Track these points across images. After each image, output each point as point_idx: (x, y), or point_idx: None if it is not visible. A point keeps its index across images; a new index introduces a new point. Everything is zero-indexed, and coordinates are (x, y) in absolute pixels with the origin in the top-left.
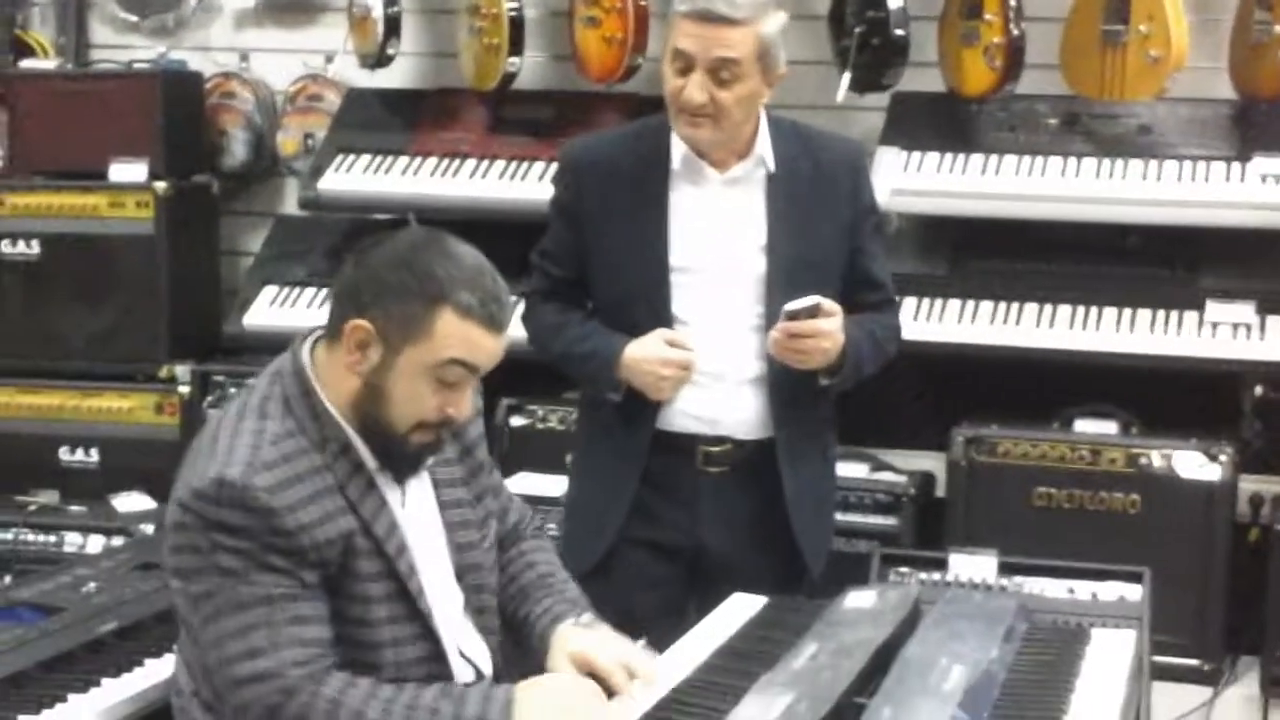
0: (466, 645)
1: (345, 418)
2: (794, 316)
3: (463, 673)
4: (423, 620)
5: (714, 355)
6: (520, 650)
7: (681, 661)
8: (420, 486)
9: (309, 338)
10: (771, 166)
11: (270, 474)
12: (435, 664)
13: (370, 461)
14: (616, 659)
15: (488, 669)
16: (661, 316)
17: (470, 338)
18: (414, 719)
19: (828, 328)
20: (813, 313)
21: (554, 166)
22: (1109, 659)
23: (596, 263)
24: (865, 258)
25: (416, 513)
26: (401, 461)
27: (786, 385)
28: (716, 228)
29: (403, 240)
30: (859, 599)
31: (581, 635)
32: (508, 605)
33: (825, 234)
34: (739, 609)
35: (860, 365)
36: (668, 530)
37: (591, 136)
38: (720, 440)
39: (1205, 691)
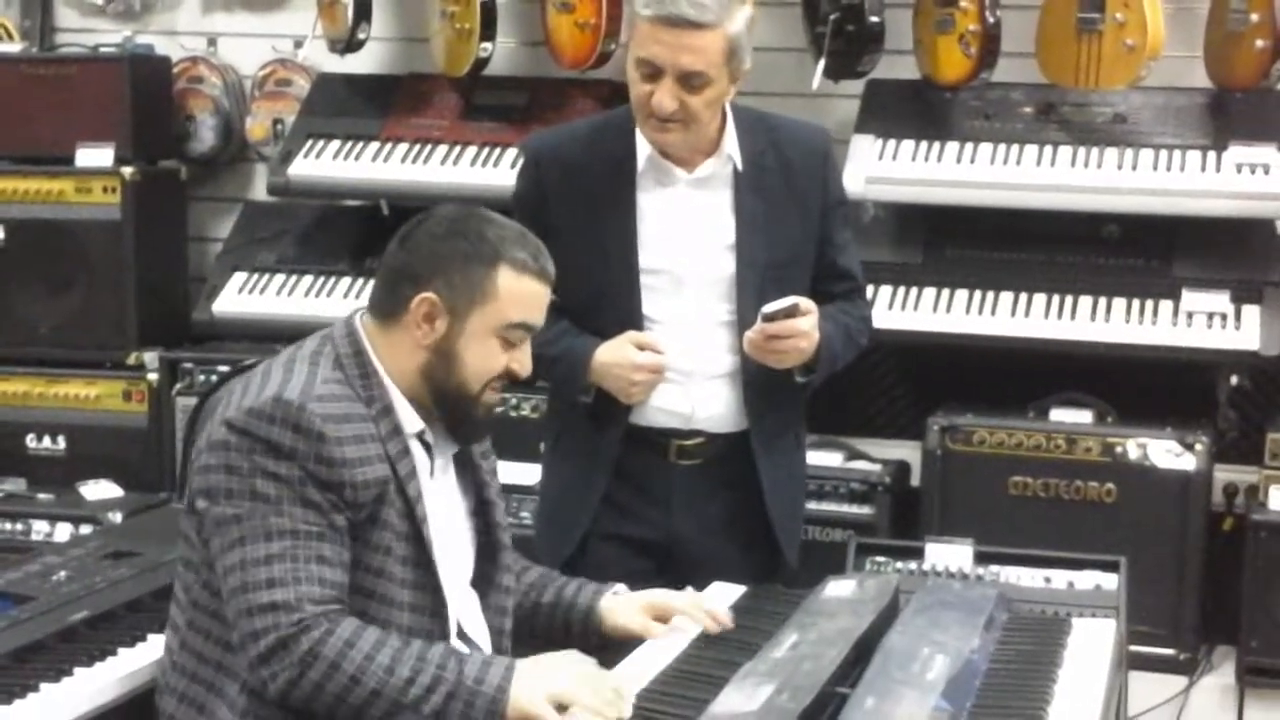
0: (469, 624)
1: (395, 385)
2: (772, 318)
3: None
4: (434, 593)
5: (685, 353)
6: (549, 636)
7: (661, 652)
8: (446, 470)
9: (356, 312)
10: (739, 164)
11: (323, 405)
12: (439, 638)
13: (409, 427)
14: (689, 600)
15: (486, 649)
16: (632, 318)
17: (528, 291)
18: (422, 670)
19: (805, 327)
20: (790, 313)
21: None
22: (1091, 648)
23: (563, 263)
24: (834, 249)
25: (442, 489)
26: (475, 424)
27: (760, 379)
28: (685, 229)
29: (443, 214)
30: (838, 588)
31: (640, 594)
32: (522, 601)
33: (793, 230)
34: (718, 598)
35: (834, 360)
36: (640, 524)
37: (555, 130)
38: (693, 434)
39: (1181, 681)
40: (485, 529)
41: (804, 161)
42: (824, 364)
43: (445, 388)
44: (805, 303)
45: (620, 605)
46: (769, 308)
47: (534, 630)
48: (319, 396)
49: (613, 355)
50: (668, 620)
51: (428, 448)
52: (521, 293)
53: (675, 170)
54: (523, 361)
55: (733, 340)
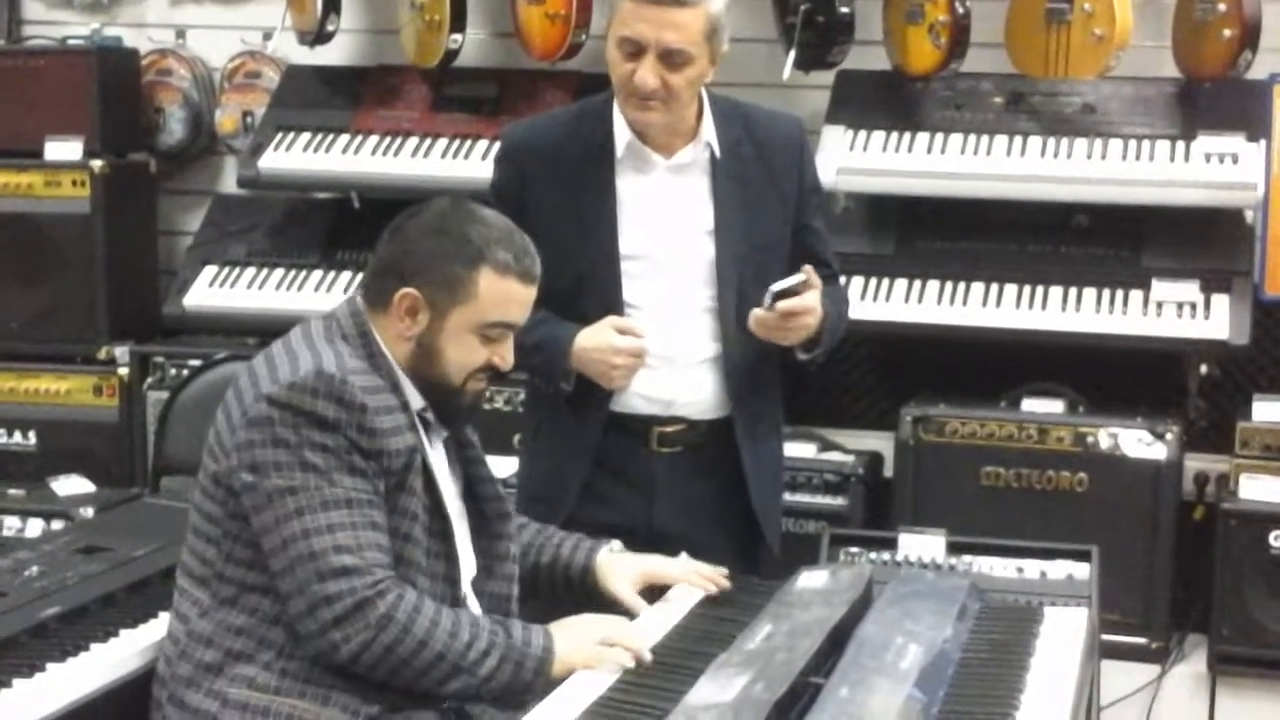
0: (470, 600)
1: (397, 365)
2: (782, 295)
3: None
4: (450, 560)
5: (666, 339)
6: (551, 595)
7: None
8: (439, 449)
9: (355, 294)
10: (717, 151)
11: (359, 378)
12: (451, 604)
13: (415, 402)
14: (683, 568)
15: None
16: (613, 304)
17: (509, 292)
18: (478, 635)
19: (812, 302)
20: (798, 290)
21: (497, 145)
22: (1062, 637)
23: (543, 250)
24: (810, 235)
25: (439, 466)
26: (459, 413)
27: (743, 365)
28: (664, 215)
29: (434, 210)
30: (812, 579)
31: (631, 557)
32: (523, 561)
33: (771, 217)
34: (692, 589)
35: (833, 337)
36: (621, 513)
37: (532, 120)
38: (674, 421)
39: (1153, 669)
40: (477, 504)
41: (780, 150)
42: (825, 340)
43: (428, 377)
44: (813, 277)
45: (615, 570)
46: (778, 286)
47: (536, 591)
48: (352, 370)
49: (593, 340)
50: (659, 587)
51: (426, 426)
52: (502, 293)
53: (654, 156)
54: (504, 355)
55: (714, 326)
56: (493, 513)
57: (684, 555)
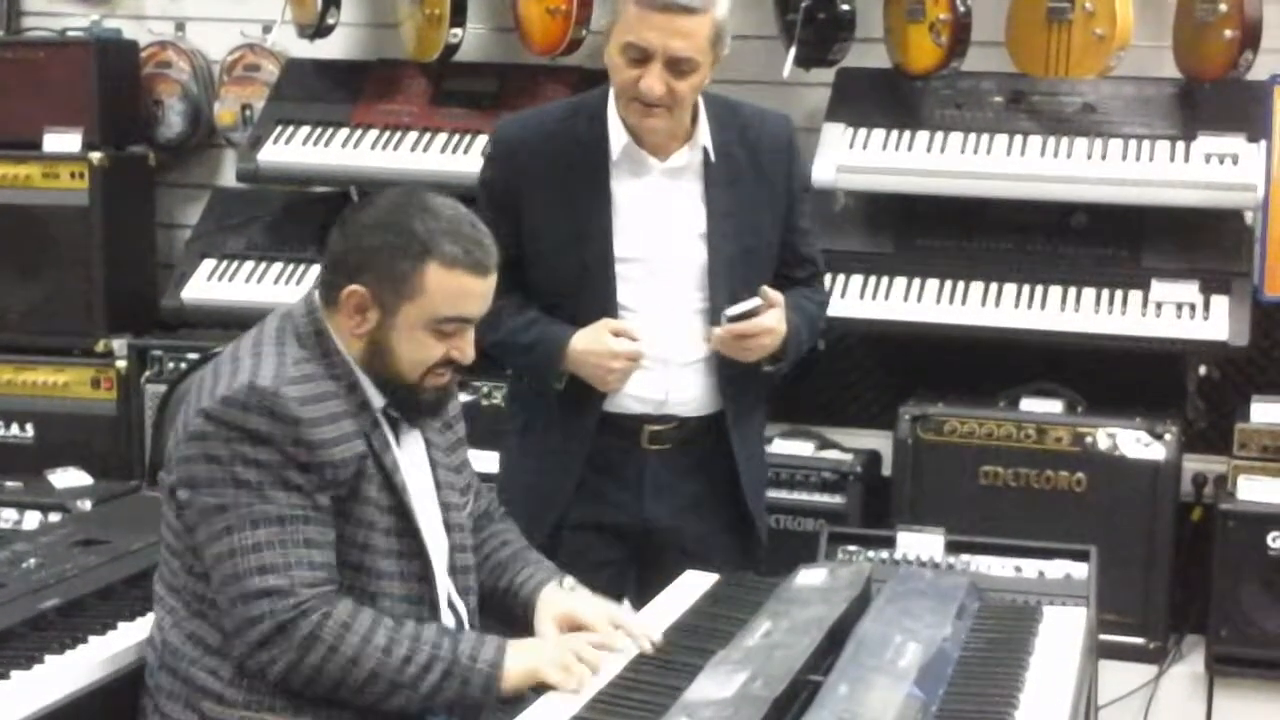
0: (453, 597)
1: (355, 363)
2: (735, 319)
3: (449, 622)
4: (422, 560)
5: (659, 341)
6: (504, 619)
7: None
8: (413, 440)
9: (315, 289)
10: (712, 155)
11: (296, 388)
12: (427, 608)
13: (376, 401)
14: (601, 614)
15: (468, 623)
16: (607, 306)
17: (459, 286)
18: (417, 650)
19: (770, 324)
20: (753, 313)
21: None
22: (1061, 637)
23: (534, 250)
24: (798, 235)
25: (410, 463)
26: (420, 408)
27: (734, 363)
28: (658, 218)
29: (382, 202)
30: (811, 576)
31: (565, 596)
32: (486, 580)
33: (761, 219)
34: (691, 586)
35: (800, 347)
36: (613, 511)
37: (524, 116)
38: (666, 419)
39: (1150, 670)
40: (444, 508)
41: (770, 150)
42: (791, 354)
43: (383, 375)
44: (773, 295)
45: (544, 606)
46: (731, 311)
47: (494, 613)
48: (291, 379)
49: (589, 343)
50: (576, 627)
51: (393, 422)
52: (452, 288)
53: (649, 160)
54: (463, 349)
55: (706, 328)
56: (452, 522)
57: (626, 603)
